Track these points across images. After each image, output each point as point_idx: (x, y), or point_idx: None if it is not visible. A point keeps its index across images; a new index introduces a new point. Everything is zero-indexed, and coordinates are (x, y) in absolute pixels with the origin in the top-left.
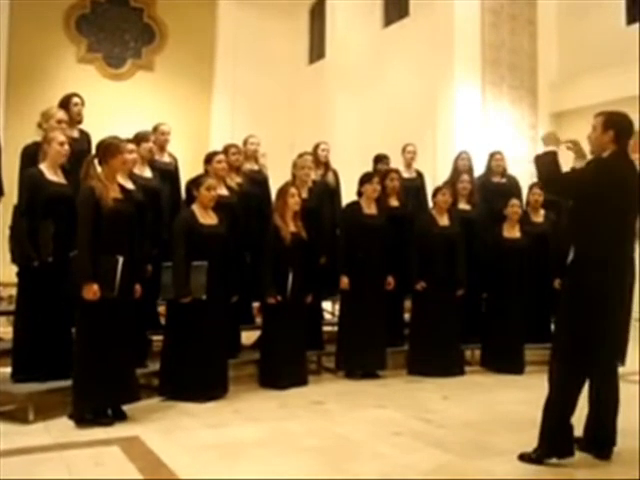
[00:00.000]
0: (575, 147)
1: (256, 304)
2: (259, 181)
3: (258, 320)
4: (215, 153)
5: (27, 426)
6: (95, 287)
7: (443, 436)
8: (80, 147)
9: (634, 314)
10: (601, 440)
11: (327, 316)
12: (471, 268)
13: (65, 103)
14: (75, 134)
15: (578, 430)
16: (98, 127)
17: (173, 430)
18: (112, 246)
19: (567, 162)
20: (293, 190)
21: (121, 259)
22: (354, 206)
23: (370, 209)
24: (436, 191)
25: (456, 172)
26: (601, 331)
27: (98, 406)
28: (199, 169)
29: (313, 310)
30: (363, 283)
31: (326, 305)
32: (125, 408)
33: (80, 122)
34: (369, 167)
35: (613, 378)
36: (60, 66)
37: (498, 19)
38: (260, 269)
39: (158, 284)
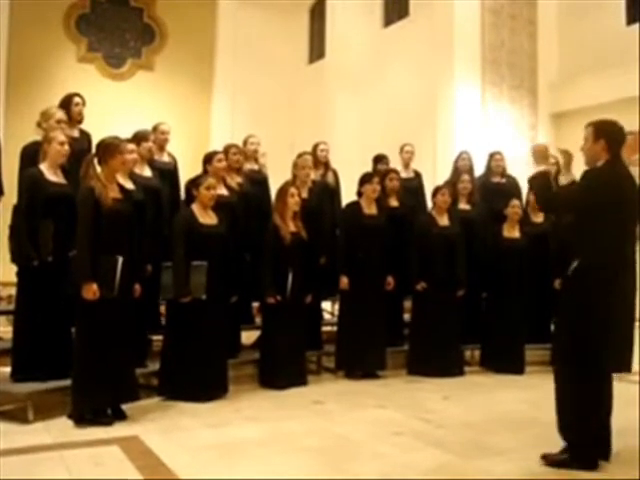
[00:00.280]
0: (566, 158)
1: (256, 304)
2: (259, 181)
3: (258, 320)
4: (215, 153)
5: (27, 426)
6: (94, 287)
7: (443, 436)
8: (80, 147)
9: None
10: (601, 440)
11: (327, 316)
12: (471, 268)
13: (66, 103)
14: (75, 134)
15: None
16: (98, 127)
17: (173, 430)
18: (112, 246)
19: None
20: (293, 190)
21: (121, 259)
22: (354, 206)
23: (370, 209)
24: (436, 191)
25: (456, 172)
26: (602, 333)
27: (98, 406)
28: (199, 169)
29: (313, 310)
30: (363, 283)
31: (326, 305)
32: (125, 408)
33: (81, 122)
34: (369, 167)
35: (610, 379)
36: (60, 66)
37: (498, 19)
38: (260, 269)
39: (158, 284)
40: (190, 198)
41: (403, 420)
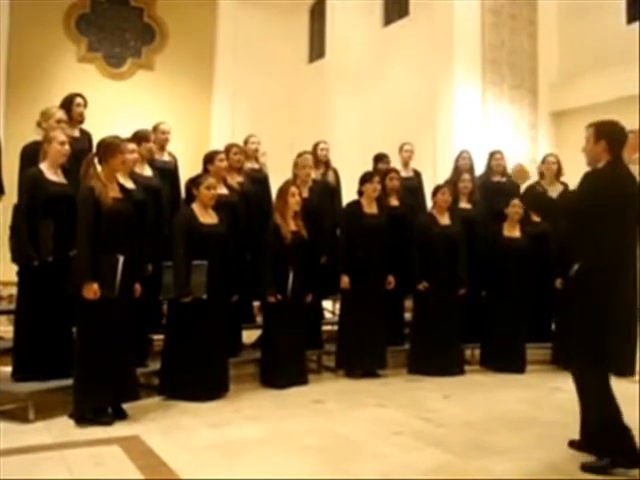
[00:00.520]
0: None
1: (256, 303)
2: (259, 179)
3: (259, 319)
4: (216, 152)
5: (27, 425)
6: (95, 286)
7: (443, 435)
8: (81, 146)
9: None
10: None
11: (327, 315)
12: (472, 267)
13: (68, 103)
14: (76, 133)
15: (576, 430)
16: (98, 126)
17: (173, 429)
18: (112, 245)
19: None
20: (294, 189)
21: (121, 258)
22: (355, 205)
23: (371, 208)
24: (436, 190)
25: (457, 171)
26: (602, 336)
27: (98, 405)
28: (199, 168)
29: (313, 309)
30: (363, 282)
31: (326, 304)
32: (125, 407)
33: (81, 122)
34: (369, 166)
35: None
36: (60, 66)
37: (498, 19)
38: (260, 268)
39: (159, 283)
40: (190, 197)
41: (403, 419)
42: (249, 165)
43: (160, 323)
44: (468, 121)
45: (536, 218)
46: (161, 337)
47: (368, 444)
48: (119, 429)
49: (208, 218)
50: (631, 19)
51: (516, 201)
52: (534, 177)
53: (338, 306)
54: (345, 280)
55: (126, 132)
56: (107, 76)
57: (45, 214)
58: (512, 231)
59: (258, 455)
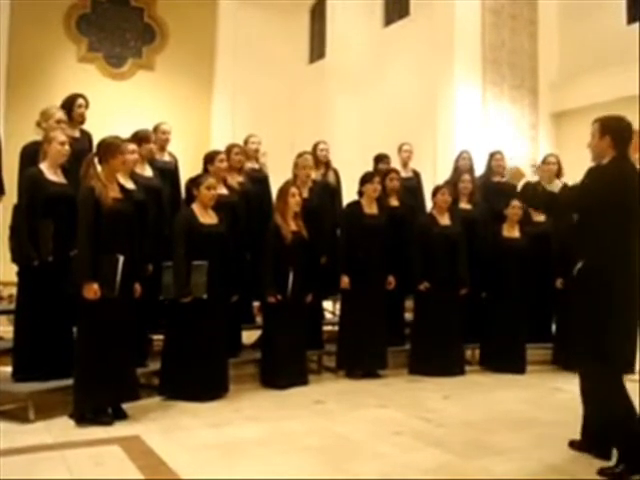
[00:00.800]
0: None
1: (256, 303)
2: (260, 179)
3: (259, 319)
4: (217, 152)
5: (28, 425)
6: (95, 286)
7: (443, 436)
8: (81, 146)
9: None
10: (601, 440)
11: (328, 315)
12: (472, 267)
13: (70, 103)
14: (76, 134)
15: (577, 430)
16: (98, 126)
17: (173, 429)
18: (112, 246)
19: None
20: (294, 190)
21: (122, 258)
22: (355, 206)
23: (371, 209)
24: (436, 191)
25: (457, 172)
26: (605, 334)
27: (99, 405)
28: (199, 168)
29: (314, 309)
30: (364, 283)
31: (327, 304)
32: (125, 407)
33: (82, 123)
34: (369, 167)
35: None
36: (60, 66)
37: (498, 19)
38: (260, 268)
39: (159, 283)
40: (190, 197)
41: (404, 420)
42: (249, 165)
43: (160, 323)
44: (468, 121)
45: (536, 218)
46: (161, 337)
47: (368, 444)
48: (119, 429)
49: (208, 218)
50: (631, 19)
51: (515, 202)
52: (530, 178)
53: (338, 306)
54: (345, 280)
55: (126, 132)
56: (107, 76)
57: (45, 214)
58: (511, 232)
59: (258, 455)
